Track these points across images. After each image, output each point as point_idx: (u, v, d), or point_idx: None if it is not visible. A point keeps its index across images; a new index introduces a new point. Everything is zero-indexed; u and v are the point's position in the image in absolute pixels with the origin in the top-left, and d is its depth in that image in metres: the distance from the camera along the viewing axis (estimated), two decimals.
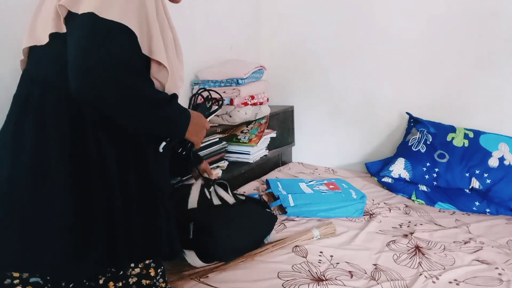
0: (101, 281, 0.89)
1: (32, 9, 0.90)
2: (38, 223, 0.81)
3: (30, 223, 0.81)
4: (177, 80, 0.94)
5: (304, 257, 1.34)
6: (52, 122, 0.83)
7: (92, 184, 0.85)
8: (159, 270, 0.99)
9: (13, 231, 0.81)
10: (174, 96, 0.93)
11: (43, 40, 0.84)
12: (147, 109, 0.84)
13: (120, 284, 0.91)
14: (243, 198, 1.54)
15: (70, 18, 0.80)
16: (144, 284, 0.94)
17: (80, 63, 0.75)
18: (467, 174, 1.87)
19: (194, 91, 1.30)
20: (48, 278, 0.84)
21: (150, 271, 0.96)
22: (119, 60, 0.77)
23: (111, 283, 0.89)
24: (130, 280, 0.92)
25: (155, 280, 0.97)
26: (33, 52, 0.89)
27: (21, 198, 0.81)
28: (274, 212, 1.61)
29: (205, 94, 1.30)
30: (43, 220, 0.81)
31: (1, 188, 0.83)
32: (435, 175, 1.92)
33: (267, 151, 2.18)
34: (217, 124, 1.91)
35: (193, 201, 1.33)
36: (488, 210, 1.77)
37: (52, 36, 0.82)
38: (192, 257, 1.24)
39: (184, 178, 1.52)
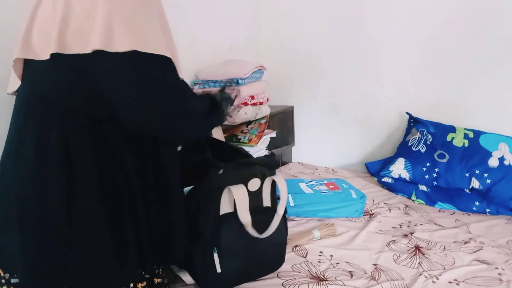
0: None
1: (27, 13, 0.85)
2: (74, 248, 0.81)
3: (66, 249, 0.80)
4: None
5: (304, 257, 1.34)
6: (76, 148, 0.80)
7: (122, 208, 0.84)
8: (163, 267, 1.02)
9: (55, 256, 0.80)
10: (211, 99, 1.03)
11: (42, 56, 0.79)
12: (205, 125, 0.99)
13: (144, 283, 0.93)
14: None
15: (101, 53, 0.74)
16: (156, 282, 0.97)
17: (142, 103, 0.78)
18: (467, 174, 1.87)
19: (194, 91, 1.27)
20: None
21: (159, 270, 0.99)
22: (174, 90, 0.83)
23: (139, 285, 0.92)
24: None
25: (163, 278, 1.00)
26: (31, 65, 0.83)
27: (55, 224, 0.80)
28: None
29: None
30: (80, 243, 0.81)
31: (32, 219, 0.80)
32: (435, 175, 1.92)
33: (267, 151, 2.18)
34: None
35: (226, 203, 1.08)
36: (488, 210, 1.77)
37: (54, 55, 0.76)
38: (185, 276, 1.18)
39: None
